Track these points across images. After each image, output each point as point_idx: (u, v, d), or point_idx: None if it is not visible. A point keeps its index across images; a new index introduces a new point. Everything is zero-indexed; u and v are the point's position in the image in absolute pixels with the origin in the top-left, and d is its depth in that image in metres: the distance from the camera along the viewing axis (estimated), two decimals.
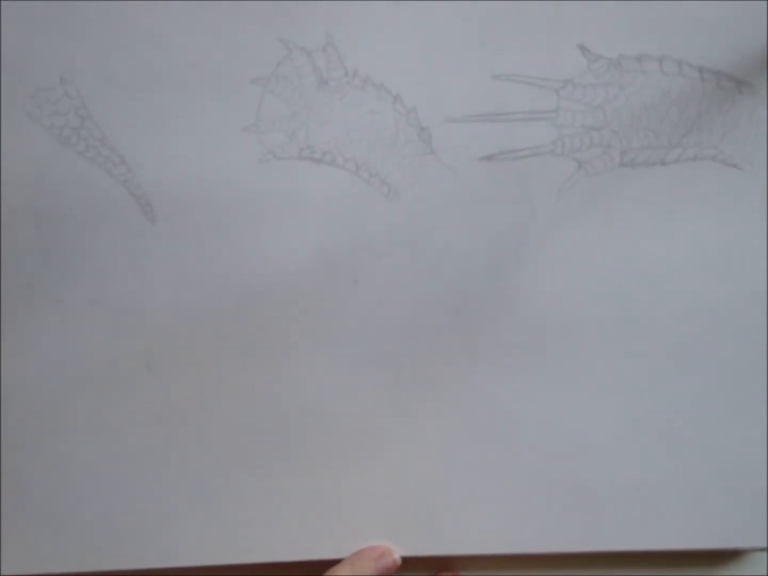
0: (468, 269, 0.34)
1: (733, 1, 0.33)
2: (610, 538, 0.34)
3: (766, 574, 0.36)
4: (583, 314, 0.34)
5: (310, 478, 0.35)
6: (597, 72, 0.33)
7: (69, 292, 0.35)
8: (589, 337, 0.34)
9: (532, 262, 0.34)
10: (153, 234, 0.35)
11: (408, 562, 0.34)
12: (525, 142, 0.34)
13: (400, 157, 0.34)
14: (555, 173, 0.34)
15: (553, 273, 0.34)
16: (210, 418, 0.35)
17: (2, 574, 0.35)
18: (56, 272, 0.35)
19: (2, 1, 0.34)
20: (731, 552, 0.36)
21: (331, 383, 0.34)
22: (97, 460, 0.35)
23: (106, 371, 0.35)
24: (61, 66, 0.34)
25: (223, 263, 0.34)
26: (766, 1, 0.32)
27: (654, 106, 0.33)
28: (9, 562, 0.35)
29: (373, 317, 0.34)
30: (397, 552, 0.34)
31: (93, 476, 0.35)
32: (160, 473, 0.35)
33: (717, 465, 0.34)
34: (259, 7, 0.33)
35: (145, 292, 0.35)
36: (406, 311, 0.34)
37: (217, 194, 0.34)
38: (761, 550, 0.34)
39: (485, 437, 0.34)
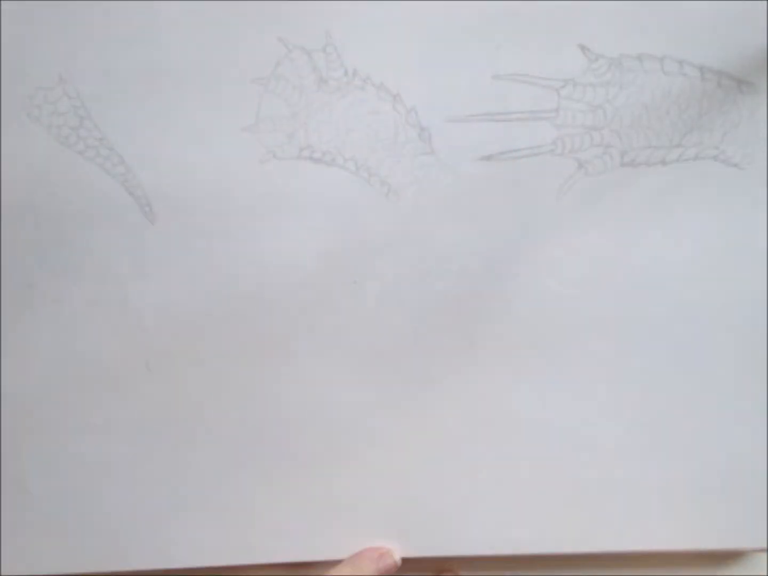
0: (468, 269, 0.34)
1: (734, 0, 0.32)
2: (610, 539, 0.34)
3: (766, 574, 0.36)
4: (582, 314, 0.34)
5: (311, 478, 0.35)
6: (597, 71, 0.33)
7: (69, 292, 0.35)
8: (588, 337, 0.34)
9: (532, 262, 0.34)
10: (153, 234, 0.35)
11: (408, 563, 0.34)
12: (525, 142, 0.34)
13: (400, 157, 0.34)
14: (555, 173, 0.34)
15: (553, 273, 0.34)
16: (210, 418, 0.35)
17: (2, 574, 0.35)
18: (56, 272, 0.35)
19: (2, 1, 0.34)
20: (731, 552, 0.36)
21: (331, 383, 0.34)
22: (97, 460, 0.35)
23: (106, 371, 0.35)
24: (60, 65, 0.34)
25: (222, 263, 0.34)
26: (766, 1, 0.32)
27: (655, 105, 0.33)
28: (9, 562, 0.35)
29: (373, 317, 0.34)
30: (398, 553, 0.34)
31: (93, 476, 0.35)
32: (160, 473, 0.35)
33: (717, 465, 0.34)
34: (259, 7, 0.33)
35: (145, 292, 0.35)
36: (406, 311, 0.34)
37: (216, 194, 0.34)
38: (761, 550, 0.34)
39: (485, 437, 0.34)
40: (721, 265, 0.34)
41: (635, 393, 0.34)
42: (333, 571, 0.33)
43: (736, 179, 0.33)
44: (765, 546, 0.34)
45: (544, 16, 0.33)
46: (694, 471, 0.34)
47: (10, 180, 0.34)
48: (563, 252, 0.34)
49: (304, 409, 0.35)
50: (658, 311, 0.34)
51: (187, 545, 0.35)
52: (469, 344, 0.34)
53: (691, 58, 0.33)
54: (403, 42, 0.33)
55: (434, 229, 0.34)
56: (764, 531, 0.34)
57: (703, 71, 0.33)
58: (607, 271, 0.34)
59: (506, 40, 0.33)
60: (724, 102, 0.33)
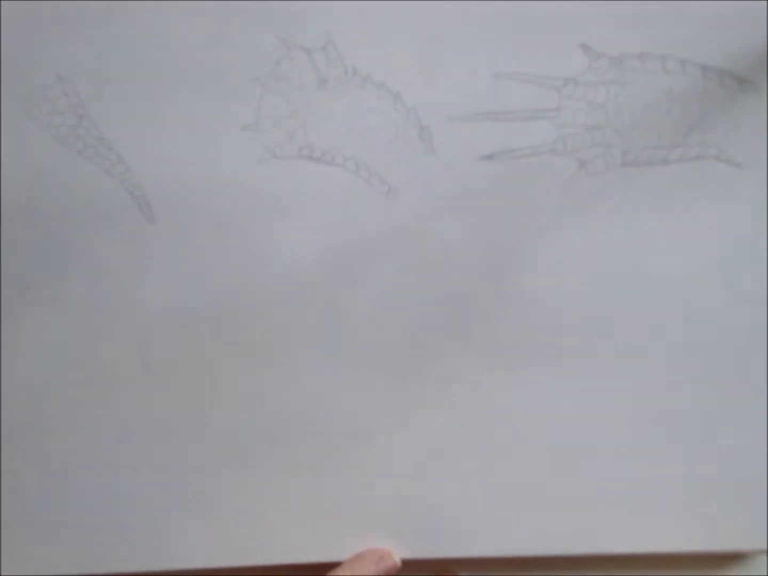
0: (468, 269, 0.34)
1: (735, 0, 0.32)
2: (610, 540, 0.34)
3: (766, 575, 0.36)
4: (583, 314, 0.34)
5: (310, 478, 0.35)
6: (599, 70, 0.33)
7: (68, 292, 0.35)
8: (589, 337, 0.34)
9: (533, 262, 0.34)
10: (152, 234, 0.34)
11: (408, 564, 0.34)
12: (526, 141, 0.33)
13: (400, 157, 0.34)
14: (556, 173, 0.34)
15: (554, 273, 0.34)
16: (209, 419, 0.35)
17: (2, 574, 0.35)
18: (55, 272, 0.35)
19: (2, 1, 0.34)
20: (731, 554, 0.36)
21: (331, 383, 0.34)
22: (96, 461, 0.35)
23: (104, 371, 0.35)
24: (59, 64, 0.34)
25: (222, 263, 0.34)
26: (767, 1, 0.32)
27: (656, 105, 0.33)
28: (9, 563, 0.35)
29: (372, 317, 0.34)
30: (398, 554, 0.34)
31: (92, 477, 0.35)
32: (160, 474, 0.35)
33: (717, 466, 0.34)
34: (259, 7, 0.33)
35: (144, 292, 0.35)
36: (406, 311, 0.34)
37: (216, 194, 0.34)
38: (761, 551, 0.34)
39: (485, 438, 0.34)
40: (722, 265, 0.33)
41: (635, 393, 0.34)
42: (332, 573, 0.33)
43: (738, 179, 0.33)
44: (765, 547, 0.34)
45: (545, 15, 0.33)
46: (694, 471, 0.34)
47: (8, 179, 0.34)
48: (564, 252, 0.34)
49: (303, 409, 0.35)
50: (658, 311, 0.34)
51: (187, 546, 0.35)
52: (470, 344, 0.34)
53: (692, 58, 0.33)
54: (403, 41, 0.33)
55: (434, 228, 0.34)
56: (764, 532, 0.34)
57: (705, 70, 0.33)
58: (607, 271, 0.34)
59: (507, 39, 0.33)
60: (725, 101, 0.33)
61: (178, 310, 0.34)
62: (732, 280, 0.33)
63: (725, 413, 0.34)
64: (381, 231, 0.34)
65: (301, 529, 0.34)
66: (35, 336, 0.35)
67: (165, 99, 0.34)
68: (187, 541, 0.35)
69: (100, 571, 0.35)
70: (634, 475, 0.34)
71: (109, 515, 0.35)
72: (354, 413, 0.34)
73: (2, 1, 0.33)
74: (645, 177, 0.33)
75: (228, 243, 0.34)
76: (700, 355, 0.34)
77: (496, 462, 0.34)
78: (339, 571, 0.33)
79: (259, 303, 0.34)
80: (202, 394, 0.35)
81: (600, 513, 0.34)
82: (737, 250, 0.33)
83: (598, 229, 0.34)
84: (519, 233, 0.34)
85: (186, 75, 0.34)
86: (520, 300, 0.34)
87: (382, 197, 0.34)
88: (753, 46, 0.33)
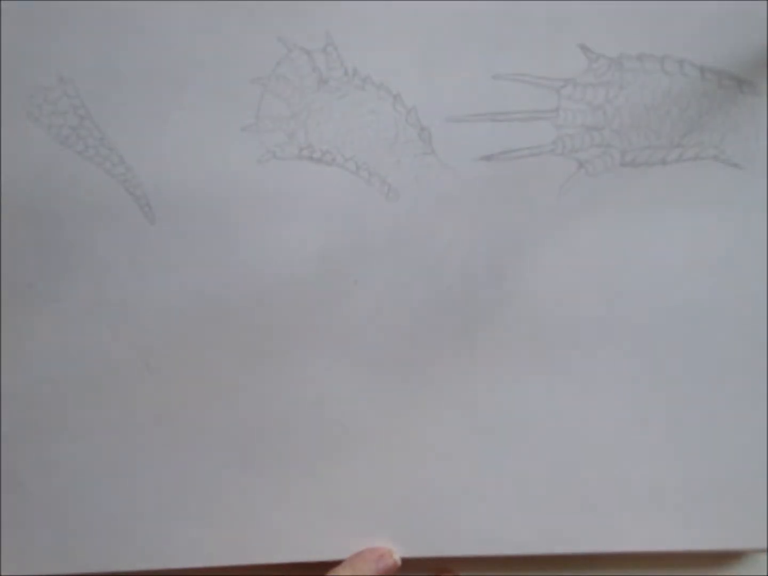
0: (468, 269, 0.34)
1: (735, 0, 0.32)
2: (609, 539, 0.34)
3: (766, 574, 0.36)
4: (583, 314, 0.34)
5: (310, 478, 0.35)
6: (598, 71, 0.33)
7: (68, 292, 0.35)
8: (589, 337, 0.34)
9: (532, 262, 0.34)
10: (152, 234, 0.34)
11: (408, 564, 0.34)
12: (525, 142, 0.34)
13: (400, 157, 0.34)
14: (555, 173, 0.34)
15: (553, 273, 0.34)
16: (210, 419, 0.35)
17: (2, 574, 0.35)
18: (56, 272, 0.35)
19: (2, 1, 0.34)
20: (731, 553, 0.36)
21: (331, 383, 0.34)
22: (97, 461, 0.35)
23: (105, 371, 0.35)
24: (60, 65, 0.34)
25: (222, 263, 0.34)
26: (767, 1, 0.32)
27: (655, 105, 0.33)
28: (9, 563, 0.35)
29: (373, 317, 0.34)
30: (397, 553, 0.34)
31: (93, 476, 0.35)
32: (160, 473, 0.35)
33: (717, 466, 0.34)
34: (259, 7, 0.33)
35: (145, 292, 0.35)
36: (407, 311, 0.34)
37: (216, 194, 0.34)
38: (761, 550, 0.34)
39: (485, 438, 0.34)
40: (721, 265, 0.34)
41: (635, 393, 0.34)
42: (332, 572, 0.33)
43: (737, 179, 0.33)
44: (765, 546, 0.34)
45: (545, 16, 0.33)
46: (694, 471, 0.34)
47: (10, 180, 0.34)
48: (563, 252, 0.34)
49: (304, 409, 0.35)
50: (658, 311, 0.34)
51: (187, 545, 0.35)
52: (469, 344, 0.34)
53: (691, 58, 0.33)
54: (403, 42, 0.33)
55: (434, 229, 0.34)
56: (764, 531, 0.34)
57: (704, 71, 0.33)
58: (606, 271, 0.34)
59: (506, 40, 0.33)
60: (724, 102, 0.33)
61: (178, 310, 0.35)
62: (731, 280, 0.34)
63: (725, 413, 0.34)
64: (381, 231, 0.34)
65: (301, 528, 0.34)
66: (35, 336, 0.35)
67: (166, 100, 0.34)
68: (186, 540, 0.35)
69: (100, 571, 0.35)
70: (634, 475, 0.34)
71: (109, 515, 0.35)
72: (354, 413, 0.34)
73: (2, 1, 0.34)
74: (644, 177, 0.34)
75: (228, 243, 0.34)
76: (700, 355, 0.34)
77: (496, 462, 0.34)
78: (339, 570, 0.33)
79: (259, 303, 0.34)
80: (202, 394, 0.35)
81: (600, 513, 0.34)
82: (736, 250, 0.33)
83: (597, 229, 0.34)
84: (519, 233, 0.34)
85: (186, 75, 0.34)
86: (519, 300, 0.34)
87: (382, 197, 0.34)
88: (752, 47, 0.33)
